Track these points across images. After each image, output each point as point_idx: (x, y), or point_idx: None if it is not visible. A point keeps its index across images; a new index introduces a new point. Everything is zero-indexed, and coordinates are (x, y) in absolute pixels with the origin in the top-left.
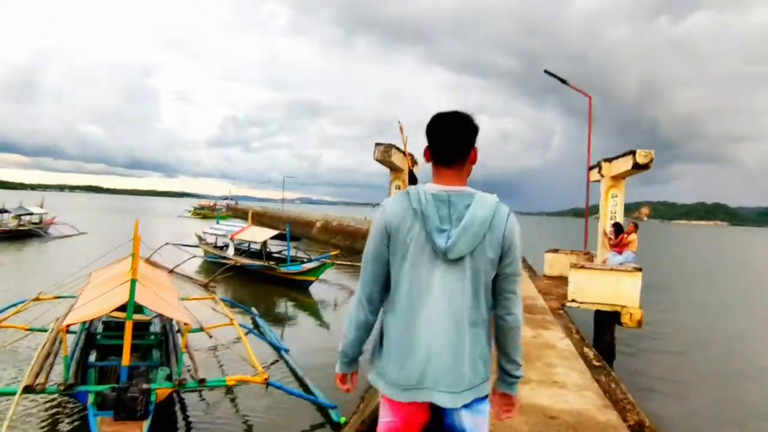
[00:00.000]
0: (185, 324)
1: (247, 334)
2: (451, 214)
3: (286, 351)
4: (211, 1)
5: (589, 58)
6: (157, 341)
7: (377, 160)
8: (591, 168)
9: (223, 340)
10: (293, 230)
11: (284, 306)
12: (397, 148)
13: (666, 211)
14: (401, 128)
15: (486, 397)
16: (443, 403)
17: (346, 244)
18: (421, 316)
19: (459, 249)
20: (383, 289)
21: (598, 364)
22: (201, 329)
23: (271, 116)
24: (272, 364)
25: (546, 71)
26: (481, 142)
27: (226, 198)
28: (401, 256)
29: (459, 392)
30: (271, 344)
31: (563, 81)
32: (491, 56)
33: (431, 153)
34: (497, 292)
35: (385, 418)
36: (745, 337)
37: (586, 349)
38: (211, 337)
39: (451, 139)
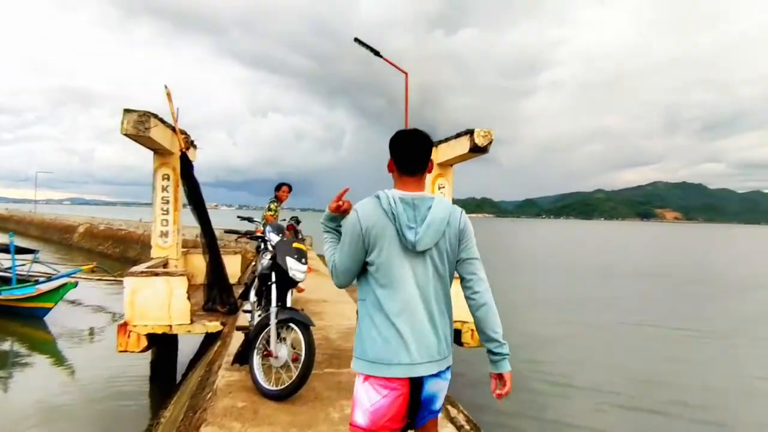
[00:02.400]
0: None
1: None
2: (416, 215)
3: None
4: None
5: (377, 64)
6: None
7: (128, 135)
8: None
9: None
10: (50, 237)
11: (2, 349)
12: (161, 120)
13: None
14: (169, 95)
15: (449, 367)
16: (425, 373)
17: (116, 251)
18: (399, 301)
19: (425, 242)
20: (355, 276)
21: (468, 427)
22: None
23: (28, 103)
24: None
25: (356, 39)
26: (275, 140)
27: None
28: (377, 251)
29: (435, 362)
30: None
31: (376, 53)
32: (285, 54)
33: (397, 165)
34: (461, 277)
35: (372, 397)
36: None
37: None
38: None
39: (416, 154)
